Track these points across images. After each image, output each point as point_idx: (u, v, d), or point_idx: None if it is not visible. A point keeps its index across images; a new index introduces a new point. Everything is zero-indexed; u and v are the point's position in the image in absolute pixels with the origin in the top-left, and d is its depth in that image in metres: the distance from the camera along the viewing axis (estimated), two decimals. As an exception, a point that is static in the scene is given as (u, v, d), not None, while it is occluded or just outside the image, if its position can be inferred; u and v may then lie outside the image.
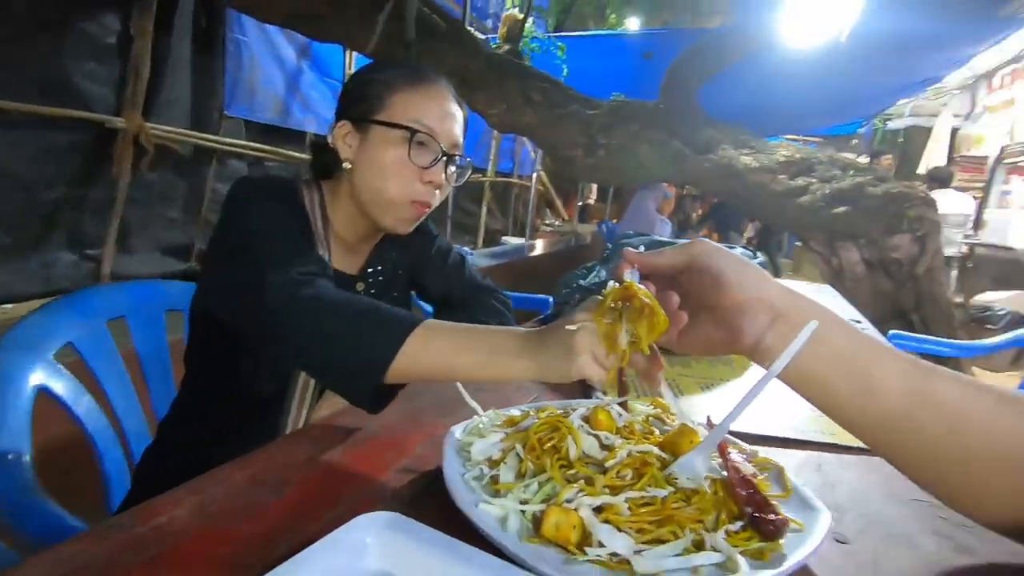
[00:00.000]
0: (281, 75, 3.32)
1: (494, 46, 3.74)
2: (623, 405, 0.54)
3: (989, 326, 4.17)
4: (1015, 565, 0.44)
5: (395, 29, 2.84)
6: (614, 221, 6.13)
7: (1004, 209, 5.12)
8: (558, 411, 0.53)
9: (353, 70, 3.64)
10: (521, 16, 3.98)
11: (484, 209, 5.76)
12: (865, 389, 0.43)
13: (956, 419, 0.41)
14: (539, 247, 5.52)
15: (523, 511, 0.42)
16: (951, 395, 0.42)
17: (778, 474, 0.50)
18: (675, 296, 0.47)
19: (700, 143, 3.57)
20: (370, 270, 0.87)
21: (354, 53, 3.49)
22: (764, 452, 0.53)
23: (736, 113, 3.82)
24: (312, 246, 0.73)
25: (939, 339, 2.45)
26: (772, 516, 0.39)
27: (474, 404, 0.57)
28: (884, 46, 3.52)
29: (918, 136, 7.25)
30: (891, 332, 2.31)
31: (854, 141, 7.56)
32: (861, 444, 0.45)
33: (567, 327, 0.47)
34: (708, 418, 0.54)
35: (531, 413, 0.55)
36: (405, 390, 0.59)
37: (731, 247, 0.82)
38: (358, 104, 0.78)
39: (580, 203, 8.44)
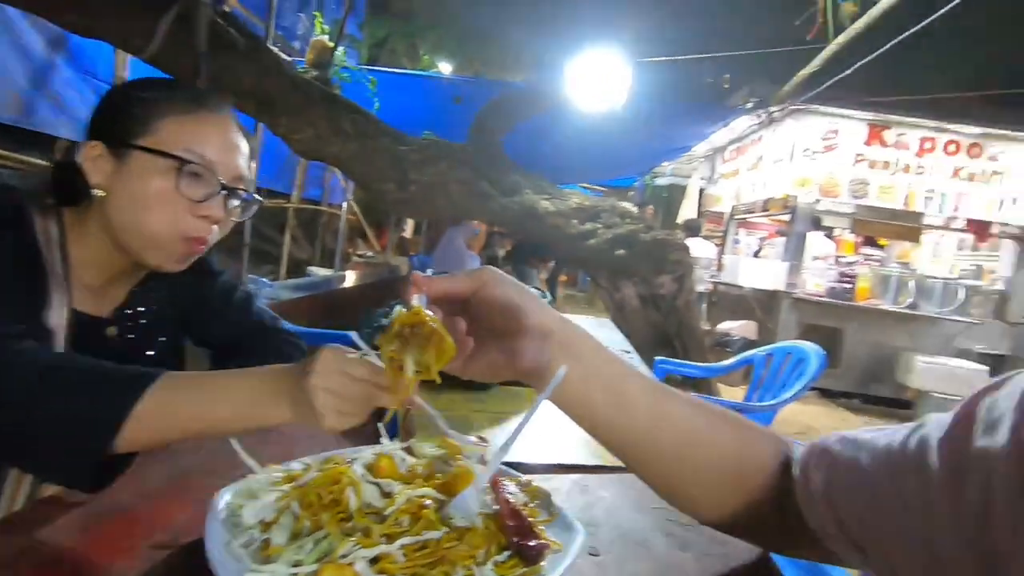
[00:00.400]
0: (21, 65, 2.74)
1: (300, 70, 3.59)
2: (408, 449, 0.56)
3: (728, 349, 5.15)
4: (720, 552, 0.55)
5: (183, 36, 2.56)
6: (425, 254, 6.21)
7: (735, 255, 6.46)
8: (344, 461, 0.52)
9: (127, 73, 3.16)
10: (332, 44, 3.89)
11: (288, 237, 5.38)
12: (618, 407, 0.49)
13: (685, 434, 0.50)
14: (350, 279, 5.33)
15: (295, 575, 0.40)
16: (682, 414, 0.50)
17: (547, 500, 0.55)
18: (462, 322, 0.48)
19: (506, 186, 3.85)
20: (128, 312, 0.76)
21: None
22: (537, 480, 0.58)
23: (537, 161, 4.22)
24: (30, 294, 0.60)
25: (693, 363, 2.97)
26: (534, 542, 0.44)
27: (249, 461, 0.53)
28: (650, 118, 4.24)
29: (677, 192, 8.81)
30: (657, 358, 2.73)
31: (631, 192, 8.86)
32: (620, 463, 0.52)
33: (308, 378, 0.45)
34: (482, 456, 0.57)
35: (312, 466, 0.53)
36: (168, 447, 0.52)
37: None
38: (117, 124, 0.68)
39: (398, 235, 8.39)
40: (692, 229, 6.19)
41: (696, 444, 0.50)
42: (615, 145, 5.02)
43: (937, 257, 6.02)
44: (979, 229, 5.34)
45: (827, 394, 5.07)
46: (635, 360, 1.55)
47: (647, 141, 5.16)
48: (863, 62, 3.27)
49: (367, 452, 0.52)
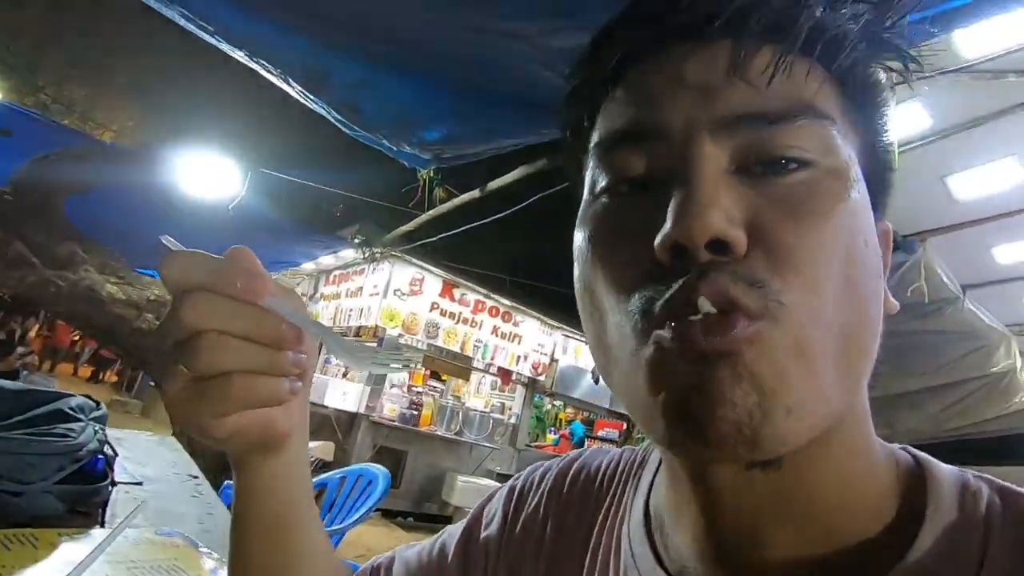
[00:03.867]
0: None
1: None
2: None
3: (303, 471, 5.01)
4: None
5: None
6: None
7: (324, 376, 6.62)
8: None
9: None
10: None
11: None
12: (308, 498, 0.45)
13: (319, 549, 0.47)
14: None
15: None
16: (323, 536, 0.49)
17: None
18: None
19: (57, 256, 3.03)
20: None
21: None
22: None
23: (115, 236, 3.50)
24: None
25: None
26: None
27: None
28: (261, 227, 4.18)
29: (276, 303, 8.65)
30: (228, 482, 2.46)
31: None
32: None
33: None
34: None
35: None
36: None
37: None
38: None
39: None
40: (286, 344, 6.08)
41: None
42: (217, 242, 4.66)
43: (478, 393, 7.59)
44: (504, 375, 7.08)
45: (388, 514, 5.45)
46: (204, 487, 1.37)
47: (253, 248, 5.00)
48: (443, 235, 4.20)
49: None
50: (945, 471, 0.31)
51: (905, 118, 2.38)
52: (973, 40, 1.84)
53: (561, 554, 0.43)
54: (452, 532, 0.52)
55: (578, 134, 0.35)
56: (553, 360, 7.30)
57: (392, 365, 0.35)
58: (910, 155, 2.52)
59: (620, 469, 0.45)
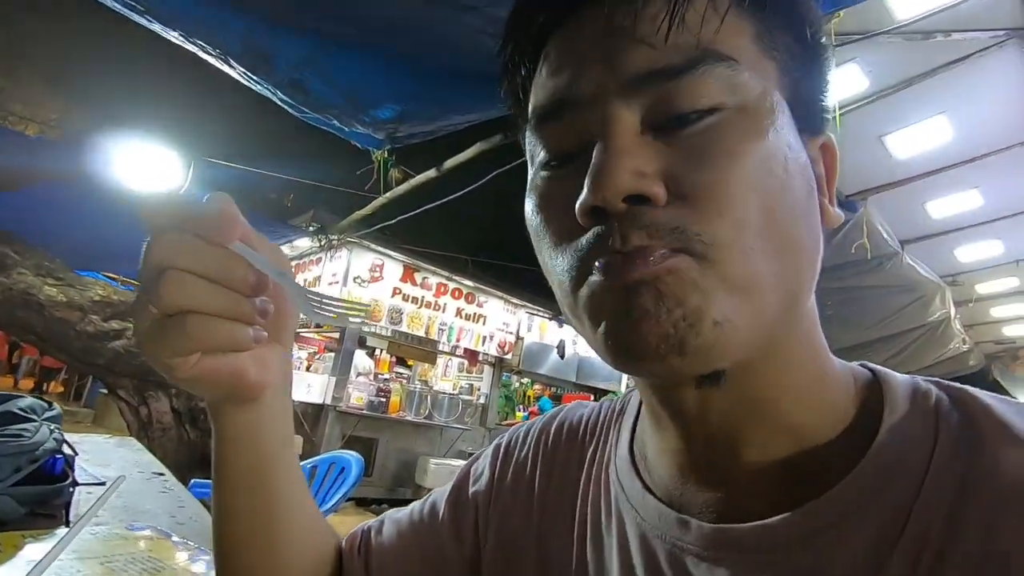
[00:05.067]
0: None
1: None
2: None
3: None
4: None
5: None
6: None
7: (298, 370, 6.48)
8: None
9: None
10: None
11: None
12: (284, 447, 0.44)
13: (304, 503, 0.47)
14: None
15: None
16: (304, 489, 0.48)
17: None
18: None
19: (-14, 260, 2.84)
20: None
21: None
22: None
23: (50, 236, 3.30)
24: None
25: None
26: None
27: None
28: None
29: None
30: (194, 480, 2.39)
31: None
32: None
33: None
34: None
35: None
36: None
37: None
38: None
39: None
40: (244, 339, 5.91)
41: (305, 519, 0.46)
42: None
43: (446, 376, 7.59)
44: (471, 356, 7.09)
45: (362, 503, 5.42)
46: (171, 483, 1.33)
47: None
48: (402, 217, 4.13)
49: None
50: (899, 378, 0.34)
51: (844, 81, 2.49)
52: (905, 1, 1.92)
53: (552, 500, 0.45)
54: (440, 492, 0.53)
55: (517, 108, 0.37)
56: (519, 338, 7.35)
57: (352, 319, 0.37)
58: (850, 116, 2.63)
59: (601, 418, 0.47)
